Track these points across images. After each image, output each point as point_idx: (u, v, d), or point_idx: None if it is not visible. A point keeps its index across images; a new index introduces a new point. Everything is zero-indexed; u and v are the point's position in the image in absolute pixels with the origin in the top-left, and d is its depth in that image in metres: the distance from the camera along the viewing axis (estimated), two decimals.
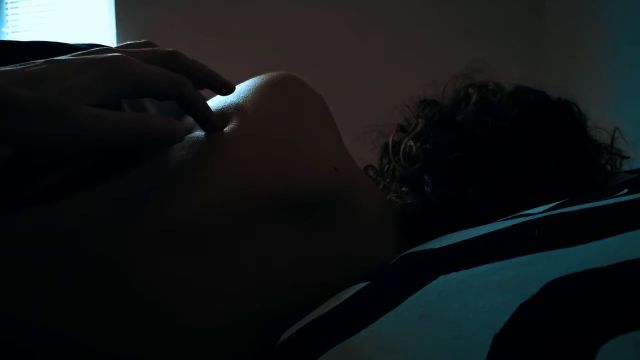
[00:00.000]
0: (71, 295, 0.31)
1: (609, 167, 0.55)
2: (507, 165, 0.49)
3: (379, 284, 0.35)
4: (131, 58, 0.33)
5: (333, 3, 1.81)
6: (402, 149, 0.53)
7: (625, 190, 0.39)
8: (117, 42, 1.83)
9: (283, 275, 0.37)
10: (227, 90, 0.40)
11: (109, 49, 0.35)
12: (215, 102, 0.42)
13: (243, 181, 0.36)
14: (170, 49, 0.37)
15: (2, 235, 0.32)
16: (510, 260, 0.29)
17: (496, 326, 0.24)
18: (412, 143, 0.53)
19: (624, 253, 0.25)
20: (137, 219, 0.33)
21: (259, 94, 0.41)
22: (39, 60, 0.31)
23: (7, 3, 2.03)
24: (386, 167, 0.56)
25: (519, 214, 0.38)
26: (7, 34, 2.03)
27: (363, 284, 0.36)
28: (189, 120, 0.40)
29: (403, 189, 0.51)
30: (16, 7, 2.05)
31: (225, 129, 0.38)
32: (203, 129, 0.38)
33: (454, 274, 0.30)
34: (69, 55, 0.33)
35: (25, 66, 0.30)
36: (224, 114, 0.40)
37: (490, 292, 0.27)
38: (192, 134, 0.38)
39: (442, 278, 0.31)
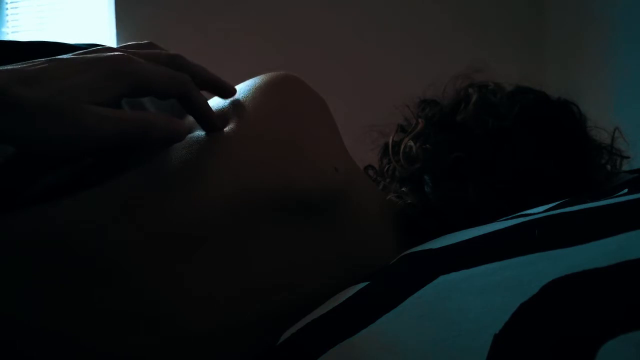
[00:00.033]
0: (71, 295, 0.31)
1: (609, 167, 0.55)
2: (507, 165, 0.49)
3: (379, 284, 0.35)
4: (133, 57, 0.33)
5: (333, 3, 1.81)
6: (402, 149, 0.53)
7: (625, 190, 0.39)
8: (117, 42, 1.83)
9: (283, 275, 0.37)
10: (228, 94, 0.40)
11: (110, 48, 0.35)
12: (215, 102, 0.42)
13: (243, 181, 0.36)
14: (172, 52, 0.37)
15: (2, 235, 0.32)
16: (510, 260, 0.29)
17: (496, 326, 0.24)
18: (412, 143, 0.53)
19: (624, 253, 0.25)
20: (137, 219, 0.33)
21: (259, 94, 0.41)
22: (41, 59, 0.31)
23: (7, 3, 2.03)
24: (386, 167, 0.56)
25: (519, 214, 0.38)
26: (7, 34, 2.03)
27: (363, 284, 0.36)
28: (189, 120, 0.40)
29: (403, 189, 0.51)
30: (16, 7, 2.05)
31: (225, 129, 0.38)
32: (204, 128, 0.38)
33: (454, 274, 0.30)
34: (70, 54, 0.33)
35: (27, 65, 0.30)
36: (224, 114, 0.40)
37: (490, 292, 0.27)
38: (193, 134, 0.38)
39: (442, 278, 0.31)
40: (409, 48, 1.77)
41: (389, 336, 0.28)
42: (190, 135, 0.38)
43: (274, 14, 1.81)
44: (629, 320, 0.21)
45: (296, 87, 0.44)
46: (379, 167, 0.59)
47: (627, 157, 0.57)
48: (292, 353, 0.33)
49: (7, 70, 0.30)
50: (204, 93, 0.39)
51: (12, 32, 2.03)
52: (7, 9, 2.03)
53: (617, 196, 0.37)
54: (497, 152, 0.50)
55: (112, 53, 0.33)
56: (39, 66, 0.31)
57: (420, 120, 0.55)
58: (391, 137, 0.57)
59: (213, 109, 0.39)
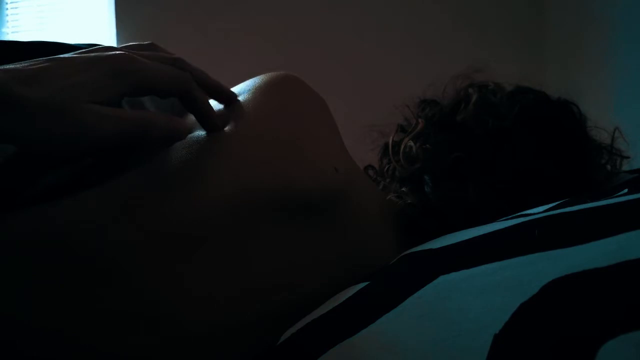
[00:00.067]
0: (71, 295, 0.31)
1: (609, 167, 0.55)
2: (507, 165, 0.49)
3: (379, 284, 0.35)
4: (135, 56, 0.33)
5: (333, 3, 1.81)
6: (402, 149, 0.53)
7: (625, 190, 0.39)
8: (117, 42, 1.83)
9: (283, 275, 0.37)
10: (228, 99, 0.40)
11: (112, 48, 0.35)
12: (216, 102, 0.42)
13: (243, 181, 0.36)
14: (173, 55, 0.37)
15: (2, 235, 0.32)
16: (510, 260, 0.29)
17: (496, 326, 0.24)
18: (412, 143, 0.53)
19: (624, 253, 0.25)
20: (137, 219, 0.33)
21: (259, 94, 0.41)
22: (41, 59, 0.31)
23: (7, 3, 2.03)
24: (386, 167, 0.56)
25: (519, 214, 0.38)
26: (7, 34, 2.03)
27: (363, 284, 0.36)
28: (189, 120, 0.40)
29: (403, 189, 0.51)
30: (16, 7, 2.05)
31: (225, 129, 0.38)
32: (204, 128, 0.38)
33: (454, 274, 0.30)
34: (72, 53, 0.33)
35: (27, 65, 0.30)
36: (224, 114, 0.40)
37: (490, 292, 0.27)
38: (193, 134, 0.38)
39: (442, 278, 0.31)
40: (409, 48, 1.77)
41: (389, 336, 0.28)
42: (190, 135, 0.38)
43: (274, 14, 1.81)
44: (629, 320, 0.21)
45: (296, 87, 0.44)
46: (379, 167, 0.59)
47: (627, 157, 0.57)
48: (292, 353, 0.33)
49: (7, 69, 0.30)
50: None
51: (12, 32, 2.03)
52: (7, 9, 2.03)
53: (617, 196, 0.37)
54: (497, 152, 0.50)
55: (113, 52, 0.33)
56: (39, 65, 0.31)
57: (420, 120, 0.55)
58: (391, 137, 0.57)
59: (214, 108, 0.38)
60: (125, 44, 0.37)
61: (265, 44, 1.76)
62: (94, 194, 0.34)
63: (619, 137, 0.56)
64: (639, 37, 1.29)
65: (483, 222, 0.38)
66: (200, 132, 0.38)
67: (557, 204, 0.37)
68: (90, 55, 0.32)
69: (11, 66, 0.30)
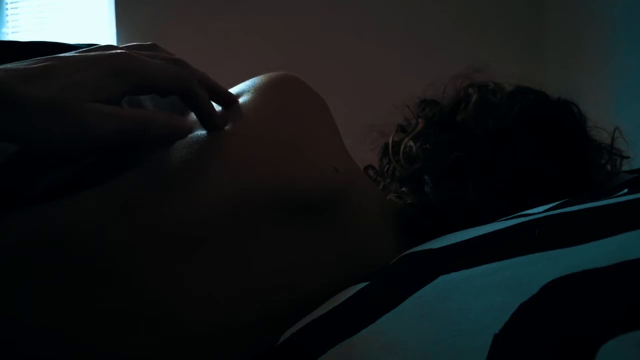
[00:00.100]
0: (71, 295, 0.31)
1: (609, 167, 0.55)
2: (507, 165, 0.49)
3: (379, 284, 0.35)
4: (136, 54, 0.33)
5: (333, 3, 1.81)
6: (402, 149, 0.53)
7: (625, 190, 0.39)
8: (117, 43, 1.83)
9: (283, 275, 0.37)
10: (228, 101, 0.40)
11: (113, 47, 0.35)
12: (214, 104, 0.42)
13: (243, 181, 0.36)
14: (174, 56, 0.37)
15: (2, 235, 0.32)
16: (510, 260, 0.29)
17: (496, 326, 0.24)
18: (412, 143, 0.53)
19: (624, 253, 0.25)
20: (137, 219, 0.33)
21: (259, 94, 0.41)
22: (42, 57, 0.31)
23: (7, 3, 2.03)
24: (386, 167, 0.56)
25: (519, 214, 0.38)
26: (7, 34, 2.03)
27: (363, 284, 0.36)
28: (190, 119, 0.40)
29: (403, 189, 0.51)
30: (16, 7, 2.05)
31: (225, 129, 0.38)
32: (205, 126, 0.38)
33: (454, 274, 0.30)
34: (73, 52, 0.33)
35: (29, 63, 0.30)
36: (224, 115, 0.39)
37: (490, 292, 0.27)
38: (193, 134, 0.38)
39: (442, 278, 0.31)
40: (409, 48, 1.77)
41: (389, 336, 0.28)
42: (190, 135, 0.38)
43: (274, 14, 1.81)
44: (629, 320, 0.21)
45: (296, 87, 0.44)
46: (379, 167, 0.59)
47: (627, 157, 0.57)
48: (292, 353, 0.33)
49: (8, 68, 0.29)
50: None
51: (12, 32, 2.03)
52: (7, 9, 2.03)
53: (617, 196, 0.37)
54: (497, 152, 0.50)
55: (114, 51, 0.33)
56: (40, 64, 0.30)
57: (420, 120, 0.55)
58: (391, 137, 0.57)
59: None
60: (125, 44, 0.37)
61: (265, 44, 1.76)
62: (94, 194, 0.34)
63: (619, 137, 0.56)
64: (639, 37, 1.29)
65: (483, 222, 0.38)
66: (200, 132, 0.38)
67: (557, 204, 0.37)
68: (91, 54, 0.32)
69: (12, 65, 0.30)
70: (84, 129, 0.30)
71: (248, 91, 0.42)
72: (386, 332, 0.29)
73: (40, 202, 0.33)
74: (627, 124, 0.59)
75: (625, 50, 1.36)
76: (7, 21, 2.03)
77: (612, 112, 1.35)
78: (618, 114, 1.30)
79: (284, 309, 0.37)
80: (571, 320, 0.23)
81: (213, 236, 0.35)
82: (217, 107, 0.41)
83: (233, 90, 0.43)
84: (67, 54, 0.33)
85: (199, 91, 0.36)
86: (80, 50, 0.34)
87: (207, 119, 0.37)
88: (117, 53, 0.33)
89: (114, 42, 1.82)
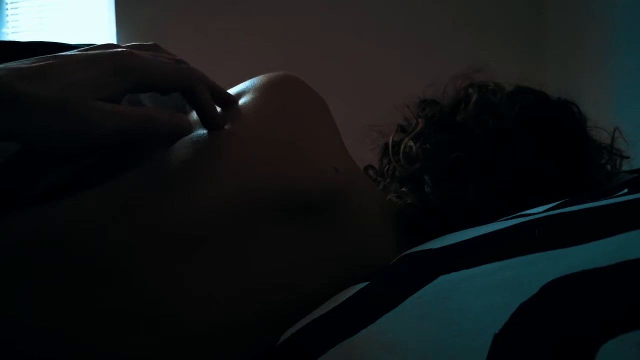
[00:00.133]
0: (71, 295, 0.31)
1: (609, 167, 0.55)
2: (507, 165, 0.49)
3: (379, 284, 0.35)
4: (137, 52, 0.33)
5: (333, 3, 1.81)
6: (402, 149, 0.53)
7: (625, 190, 0.39)
8: (117, 42, 1.83)
9: (283, 275, 0.37)
10: (228, 102, 0.40)
11: (114, 45, 0.35)
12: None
13: (243, 181, 0.36)
14: (176, 57, 0.37)
15: (2, 235, 0.32)
16: (510, 260, 0.29)
17: (496, 326, 0.24)
18: (412, 143, 0.53)
19: (624, 253, 0.25)
20: (137, 219, 0.33)
21: (259, 94, 0.41)
22: (44, 56, 0.31)
23: (7, 3, 2.04)
24: (386, 167, 0.56)
25: (519, 214, 0.38)
26: (7, 34, 2.03)
27: (363, 284, 0.36)
28: (191, 119, 0.39)
29: (403, 189, 0.51)
30: (16, 7, 2.05)
31: (225, 130, 0.38)
32: (205, 125, 0.38)
33: (454, 274, 0.30)
34: (75, 50, 0.33)
35: (31, 61, 0.30)
36: (224, 115, 0.39)
37: (490, 292, 0.27)
38: (193, 134, 0.38)
39: (442, 278, 0.31)
40: (409, 48, 1.77)
41: (389, 336, 0.28)
42: (190, 135, 0.38)
43: (274, 14, 1.81)
44: (629, 320, 0.21)
45: (296, 87, 0.44)
46: (379, 167, 0.59)
47: (627, 157, 0.57)
48: (292, 353, 0.33)
49: (8, 67, 0.29)
50: None
51: (12, 32, 2.03)
52: (7, 9, 2.03)
53: (617, 196, 0.37)
54: (497, 152, 0.50)
55: (116, 49, 0.33)
56: (41, 63, 0.30)
57: (420, 120, 0.55)
58: (391, 137, 0.57)
59: None
60: (125, 44, 0.37)
61: (265, 44, 1.76)
62: (94, 194, 0.34)
63: (619, 137, 0.56)
64: (639, 37, 1.29)
65: (483, 222, 0.38)
66: (200, 132, 0.38)
67: (557, 204, 0.37)
68: (92, 53, 0.32)
69: (12, 64, 0.30)
70: (86, 127, 0.30)
71: (248, 91, 0.42)
72: (386, 332, 0.29)
73: (40, 202, 0.33)
74: (627, 124, 0.59)
75: (625, 50, 1.36)
76: (7, 21, 2.03)
77: (612, 112, 1.35)
78: (618, 114, 1.30)
79: (284, 309, 0.37)
80: (571, 320, 0.23)
81: (213, 236, 0.35)
82: (217, 108, 0.41)
83: (233, 90, 0.43)
84: (68, 53, 0.33)
85: (200, 87, 0.36)
86: (82, 48, 0.34)
87: (207, 116, 0.37)
88: (118, 51, 0.33)
89: (114, 42, 1.82)
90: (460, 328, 0.26)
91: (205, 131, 0.38)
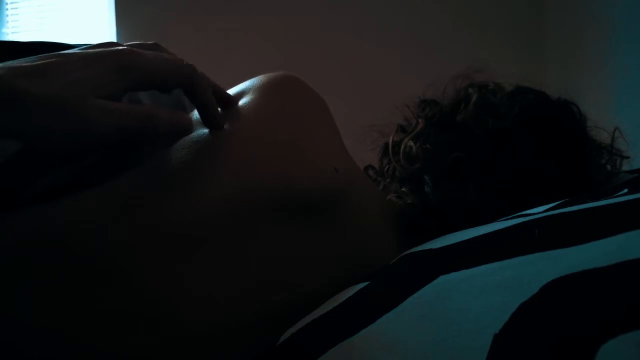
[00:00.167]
0: (71, 295, 0.31)
1: (609, 167, 0.55)
2: (507, 165, 0.49)
3: (379, 284, 0.35)
4: (138, 51, 0.33)
5: (333, 3, 1.81)
6: (402, 149, 0.53)
7: (625, 190, 0.39)
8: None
9: (283, 275, 0.37)
10: (228, 102, 0.40)
11: (115, 43, 0.35)
12: None
13: (243, 181, 0.36)
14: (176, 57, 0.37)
15: (2, 235, 0.32)
16: (510, 260, 0.29)
17: (496, 326, 0.24)
18: (412, 143, 0.53)
19: (624, 253, 0.25)
20: (137, 219, 0.33)
21: (259, 94, 0.41)
22: (45, 54, 0.31)
23: (7, 3, 2.04)
24: (386, 167, 0.56)
25: (519, 214, 0.38)
26: (7, 34, 2.03)
27: (363, 284, 0.36)
28: (192, 117, 0.39)
29: (403, 189, 0.51)
30: (16, 7, 2.05)
31: (225, 130, 0.38)
32: (206, 123, 0.38)
33: (454, 274, 0.30)
34: (76, 48, 0.33)
35: (32, 60, 0.30)
36: (225, 114, 0.39)
37: (490, 292, 0.27)
38: (193, 134, 0.38)
39: (442, 278, 0.31)
40: (409, 48, 1.77)
41: (389, 336, 0.28)
42: (190, 135, 0.38)
43: (274, 14, 1.81)
44: (629, 320, 0.21)
45: (296, 87, 0.44)
46: (379, 167, 0.59)
47: (627, 157, 0.57)
48: (292, 353, 0.33)
49: (10, 65, 0.29)
50: None
51: (12, 32, 2.03)
52: (7, 9, 2.03)
53: (617, 196, 0.37)
54: (497, 152, 0.50)
55: (117, 47, 0.33)
56: (43, 61, 0.30)
57: (420, 120, 0.55)
58: (391, 137, 0.57)
59: None
60: (126, 43, 0.37)
61: (265, 44, 1.76)
62: (94, 194, 0.34)
63: (619, 137, 0.56)
64: (639, 37, 1.29)
65: (483, 222, 0.38)
66: (200, 132, 0.38)
67: (557, 204, 0.37)
68: (93, 51, 0.32)
69: (13, 62, 0.30)
70: (86, 125, 0.30)
71: (248, 91, 0.42)
72: (386, 332, 0.29)
73: (40, 202, 0.33)
74: (627, 124, 0.59)
75: (625, 50, 1.36)
76: (7, 21, 2.03)
77: (612, 112, 1.35)
78: (618, 114, 1.30)
79: (284, 309, 0.37)
80: (571, 320, 0.23)
81: (213, 236, 0.35)
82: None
83: (233, 90, 0.43)
84: (68, 51, 0.33)
85: (202, 83, 0.36)
86: (83, 47, 0.34)
87: (209, 114, 0.37)
88: (119, 49, 0.33)
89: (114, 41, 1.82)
90: (460, 328, 0.26)
91: (205, 131, 0.38)
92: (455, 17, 1.77)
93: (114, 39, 1.86)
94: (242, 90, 0.42)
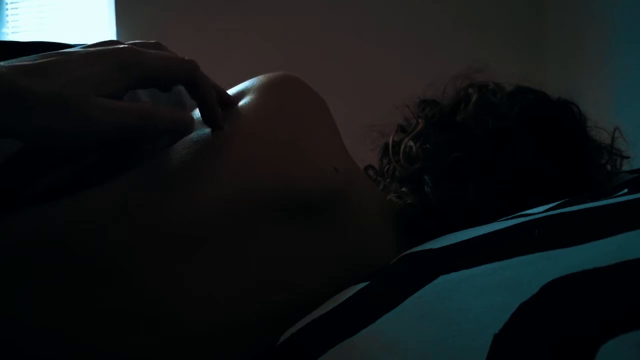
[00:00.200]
0: (71, 295, 0.31)
1: (609, 167, 0.55)
2: (507, 165, 0.49)
3: (379, 284, 0.35)
4: (139, 49, 0.33)
5: (333, 3, 1.81)
6: (402, 149, 0.53)
7: (625, 190, 0.39)
8: None
9: (283, 275, 0.37)
10: (228, 102, 0.40)
11: (116, 42, 0.35)
12: None
13: (243, 181, 0.36)
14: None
15: (2, 235, 0.32)
16: (510, 260, 0.29)
17: (496, 326, 0.24)
18: (412, 143, 0.53)
19: (624, 253, 0.25)
20: (137, 219, 0.33)
21: (259, 94, 0.41)
22: (47, 53, 0.31)
23: (7, 3, 2.04)
24: (386, 167, 0.56)
25: (519, 214, 0.38)
26: (7, 34, 2.03)
27: (363, 284, 0.36)
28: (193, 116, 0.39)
29: (403, 189, 0.51)
30: (16, 7, 2.05)
31: (225, 130, 0.38)
32: (206, 121, 0.38)
33: (454, 274, 0.30)
34: (78, 47, 0.33)
35: (34, 59, 0.30)
36: (225, 114, 0.39)
37: (490, 292, 0.27)
38: (193, 134, 0.38)
39: (442, 278, 0.31)
40: (409, 48, 1.77)
41: (389, 336, 0.28)
42: (190, 135, 0.38)
43: (274, 14, 1.81)
44: (629, 320, 0.21)
45: (296, 87, 0.44)
46: (379, 167, 0.59)
47: (627, 157, 0.57)
48: (292, 353, 0.33)
49: (11, 64, 0.29)
50: None
51: (12, 33, 2.03)
52: (7, 9, 2.03)
53: (617, 196, 0.37)
54: (497, 152, 0.50)
55: (118, 46, 0.33)
56: (44, 60, 0.30)
57: (420, 120, 0.55)
58: (391, 137, 0.57)
59: None
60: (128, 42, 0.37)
61: (265, 44, 1.76)
62: (94, 194, 0.34)
63: (619, 137, 0.56)
64: (639, 37, 1.29)
65: (483, 222, 0.38)
66: (200, 132, 0.38)
67: (557, 204, 0.37)
68: (95, 50, 0.32)
69: (14, 61, 0.30)
70: (87, 123, 0.30)
71: (248, 91, 0.42)
72: (386, 332, 0.29)
73: (40, 202, 0.33)
74: (627, 124, 0.59)
75: (625, 50, 1.36)
76: (7, 21, 2.03)
77: (612, 112, 1.35)
78: (618, 114, 1.30)
79: (284, 309, 0.37)
80: (571, 320, 0.23)
81: (213, 236, 0.35)
82: None
83: (233, 90, 0.43)
84: (70, 50, 0.33)
85: (203, 79, 0.36)
86: (84, 45, 0.34)
87: (210, 111, 0.37)
88: (120, 48, 0.33)
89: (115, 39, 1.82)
90: (460, 328, 0.26)
91: (205, 131, 0.38)
92: (455, 17, 1.77)
93: (113, 39, 1.85)
94: (242, 90, 0.42)
